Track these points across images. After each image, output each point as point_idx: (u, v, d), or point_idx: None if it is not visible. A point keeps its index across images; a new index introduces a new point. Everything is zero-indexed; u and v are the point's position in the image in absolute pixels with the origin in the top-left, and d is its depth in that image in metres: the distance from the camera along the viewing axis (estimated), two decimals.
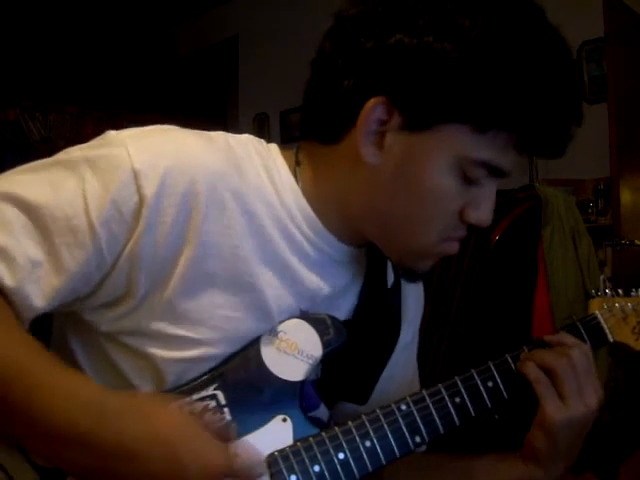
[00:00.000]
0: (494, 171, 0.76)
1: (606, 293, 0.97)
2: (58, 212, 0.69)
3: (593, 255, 2.43)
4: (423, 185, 0.75)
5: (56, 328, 0.85)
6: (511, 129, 0.73)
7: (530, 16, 0.74)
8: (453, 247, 0.82)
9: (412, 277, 0.91)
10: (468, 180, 0.75)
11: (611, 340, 0.94)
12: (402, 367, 0.98)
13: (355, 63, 0.75)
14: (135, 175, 0.70)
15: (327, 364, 0.85)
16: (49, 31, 4.71)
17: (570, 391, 0.83)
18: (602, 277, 0.98)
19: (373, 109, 0.74)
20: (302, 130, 0.85)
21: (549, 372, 0.83)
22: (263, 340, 0.80)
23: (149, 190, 0.70)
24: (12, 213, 0.69)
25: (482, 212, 0.79)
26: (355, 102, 0.75)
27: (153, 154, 0.72)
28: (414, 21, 0.71)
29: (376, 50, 0.73)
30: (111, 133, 0.75)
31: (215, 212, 0.75)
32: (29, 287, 0.68)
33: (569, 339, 0.88)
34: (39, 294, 0.69)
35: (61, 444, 0.63)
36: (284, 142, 3.95)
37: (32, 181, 0.71)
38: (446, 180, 0.75)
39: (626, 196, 2.67)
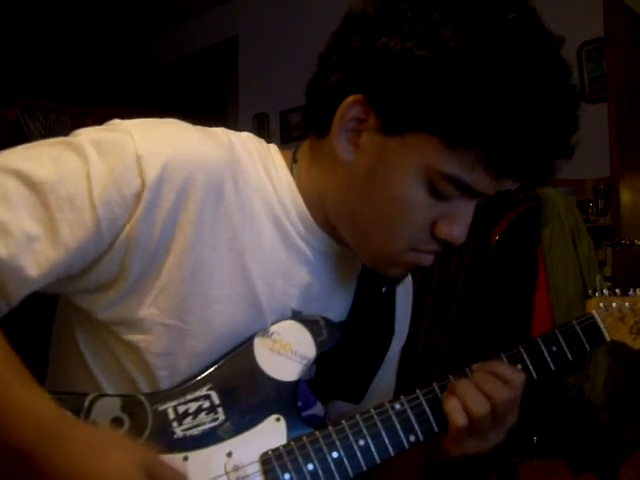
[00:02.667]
0: (463, 188, 0.74)
1: (603, 293, 0.97)
2: (60, 189, 0.69)
3: (593, 255, 2.43)
4: (390, 189, 0.75)
5: (58, 321, 0.85)
6: (479, 147, 0.70)
7: (521, 33, 0.70)
8: (426, 259, 0.80)
9: (385, 282, 0.90)
10: (437, 193, 0.74)
11: (608, 339, 0.94)
12: (389, 371, 0.99)
13: (344, 60, 0.76)
14: (138, 159, 0.71)
15: (322, 363, 0.85)
16: (49, 31, 4.72)
17: (479, 435, 0.81)
18: (598, 277, 0.97)
19: (350, 106, 0.75)
20: (303, 123, 0.86)
21: (470, 416, 0.79)
22: (256, 341, 0.80)
23: (151, 174, 0.71)
24: (13, 186, 0.69)
25: (454, 229, 0.77)
26: (337, 97, 0.76)
27: (156, 143, 0.73)
28: (401, 26, 0.71)
29: (363, 50, 0.74)
30: (116, 121, 0.76)
31: (212, 203, 0.76)
32: (23, 259, 0.68)
33: (504, 372, 0.82)
34: (33, 265, 0.68)
35: (7, 459, 0.61)
36: (284, 142, 3.95)
37: (36, 157, 0.72)
38: (412, 188, 0.74)
39: (626, 196, 2.67)
